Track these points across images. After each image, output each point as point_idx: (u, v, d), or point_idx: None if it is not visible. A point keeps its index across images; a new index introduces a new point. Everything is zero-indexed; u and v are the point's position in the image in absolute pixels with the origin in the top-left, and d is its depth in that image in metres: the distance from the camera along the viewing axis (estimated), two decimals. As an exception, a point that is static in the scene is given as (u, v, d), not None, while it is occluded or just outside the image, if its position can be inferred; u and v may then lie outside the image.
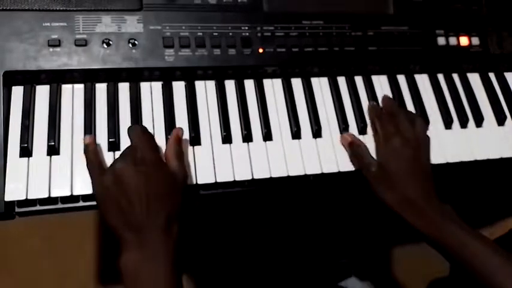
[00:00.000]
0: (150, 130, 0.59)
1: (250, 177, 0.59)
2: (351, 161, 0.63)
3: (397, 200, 0.57)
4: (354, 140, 0.63)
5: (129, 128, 0.55)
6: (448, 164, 0.66)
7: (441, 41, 0.72)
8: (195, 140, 0.60)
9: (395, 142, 0.60)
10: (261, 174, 0.60)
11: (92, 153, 0.53)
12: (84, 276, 1.08)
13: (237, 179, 0.59)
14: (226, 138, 0.61)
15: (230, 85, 0.65)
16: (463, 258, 0.54)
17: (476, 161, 0.68)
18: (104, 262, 1.09)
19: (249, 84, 0.65)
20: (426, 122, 0.67)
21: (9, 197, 0.53)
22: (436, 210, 0.56)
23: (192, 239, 1.11)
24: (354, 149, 0.62)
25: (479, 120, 0.70)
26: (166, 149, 0.55)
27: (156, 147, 0.54)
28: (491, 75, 0.75)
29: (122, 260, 0.47)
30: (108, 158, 0.56)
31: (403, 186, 0.58)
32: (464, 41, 0.72)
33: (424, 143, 0.63)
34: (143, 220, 0.48)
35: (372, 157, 0.62)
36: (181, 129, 0.57)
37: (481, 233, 0.56)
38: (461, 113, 0.70)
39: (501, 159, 0.68)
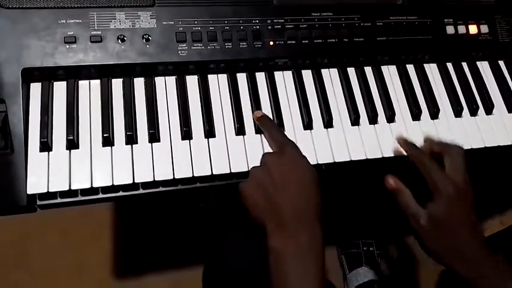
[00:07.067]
0: (166, 123, 0.61)
1: (263, 168, 0.61)
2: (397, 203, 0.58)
3: (447, 251, 0.54)
4: (397, 186, 0.58)
5: (271, 131, 0.60)
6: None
7: (450, 29, 0.72)
8: (210, 132, 0.61)
9: (448, 192, 0.54)
10: (274, 164, 0.61)
11: None
12: (101, 269, 1.10)
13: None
14: (240, 130, 0.62)
15: (242, 78, 0.66)
16: None
17: (486, 148, 0.68)
18: (120, 255, 1.11)
19: (261, 77, 0.67)
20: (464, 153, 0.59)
21: (30, 190, 0.55)
22: (489, 262, 0.53)
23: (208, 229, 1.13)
24: (398, 197, 0.57)
25: (489, 108, 0.71)
26: None
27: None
28: (501, 63, 0.75)
29: (269, 246, 0.50)
30: (126, 151, 0.58)
31: (454, 236, 0.53)
32: (473, 29, 0.73)
33: (469, 186, 0.56)
34: (288, 205, 0.51)
35: (418, 206, 0.56)
36: None
37: None
38: (471, 101, 0.71)
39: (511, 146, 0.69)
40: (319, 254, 0.50)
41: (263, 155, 0.57)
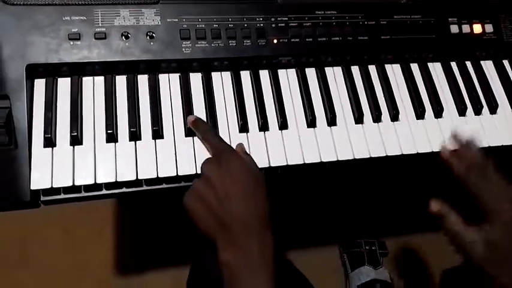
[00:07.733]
0: (169, 120, 0.61)
1: (267, 165, 0.61)
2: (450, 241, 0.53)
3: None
4: (443, 211, 0.52)
5: (206, 135, 0.58)
6: (462, 150, 0.67)
7: (454, 28, 0.72)
8: (213, 129, 0.61)
9: (506, 212, 0.49)
10: (277, 162, 0.61)
11: None
12: (103, 267, 1.09)
13: (254, 167, 0.60)
14: (243, 128, 0.62)
15: (246, 76, 0.66)
16: None
17: (490, 148, 0.68)
18: (122, 252, 1.11)
19: (264, 75, 0.67)
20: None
21: (34, 185, 0.55)
22: None
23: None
24: (444, 223, 0.52)
25: (493, 107, 0.71)
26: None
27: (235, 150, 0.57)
28: (505, 63, 0.75)
29: (220, 260, 0.48)
30: (130, 147, 0.58)
31: None
32: (477, 28, 0.73)
33: None
34: (234, 217, 0.49)
35: (471, 231, 0.51)
36: None
37: None
38: (475, 100, 0.70)
39: (515, 146, 0.69)
40: (271, 262, 0.48)
41: (202, 164, 0.54)
